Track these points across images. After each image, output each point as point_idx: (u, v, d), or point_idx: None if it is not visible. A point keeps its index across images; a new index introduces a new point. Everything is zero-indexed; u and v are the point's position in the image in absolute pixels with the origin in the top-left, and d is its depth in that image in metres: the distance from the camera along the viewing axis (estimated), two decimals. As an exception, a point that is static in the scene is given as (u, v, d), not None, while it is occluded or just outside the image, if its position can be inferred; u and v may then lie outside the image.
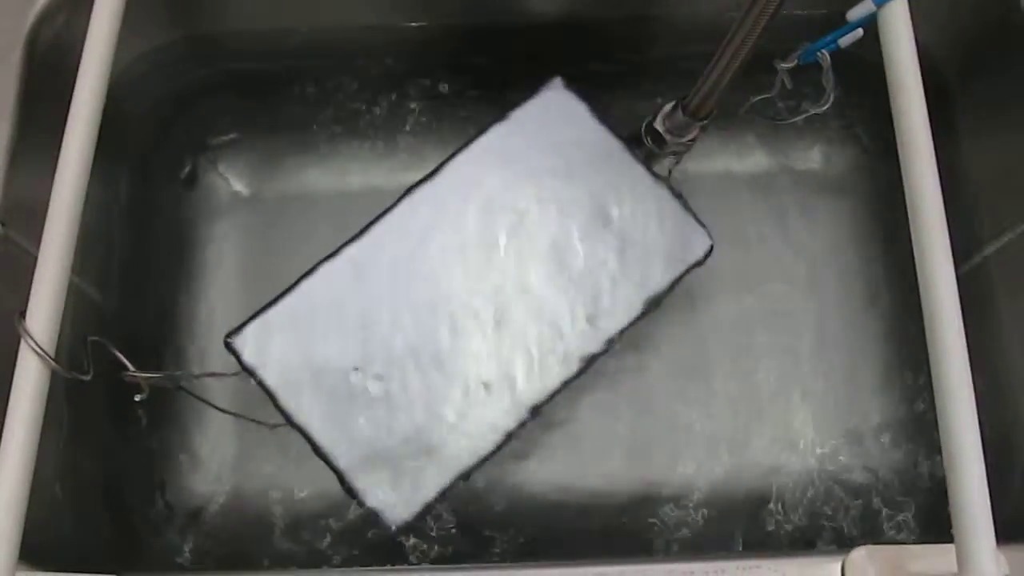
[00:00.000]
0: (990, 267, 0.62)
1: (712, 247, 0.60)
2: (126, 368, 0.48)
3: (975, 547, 0.37)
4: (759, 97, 0.57)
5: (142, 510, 0.65)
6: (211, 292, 0.70)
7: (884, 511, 0.65)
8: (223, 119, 0.73)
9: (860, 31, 0.49)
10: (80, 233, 0.61)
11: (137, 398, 0.48)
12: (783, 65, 0.53)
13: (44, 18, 0.56)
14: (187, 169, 0.72)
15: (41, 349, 0.41)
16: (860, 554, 0.43)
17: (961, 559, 0.37)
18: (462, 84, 0.72)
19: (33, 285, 0.42)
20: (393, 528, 0.55)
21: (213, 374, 0.58)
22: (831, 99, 0.52)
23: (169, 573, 0.59)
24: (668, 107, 0.63)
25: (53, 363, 0.41)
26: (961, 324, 0.40)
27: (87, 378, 0.44)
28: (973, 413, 0.38)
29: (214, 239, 0.71)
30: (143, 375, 0.48)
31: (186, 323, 0.69)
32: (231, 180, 0.72)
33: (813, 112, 0.54)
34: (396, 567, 0.55)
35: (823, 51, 0.51)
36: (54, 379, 0.42)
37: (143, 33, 0.65)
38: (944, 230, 0.41)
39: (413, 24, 0.67)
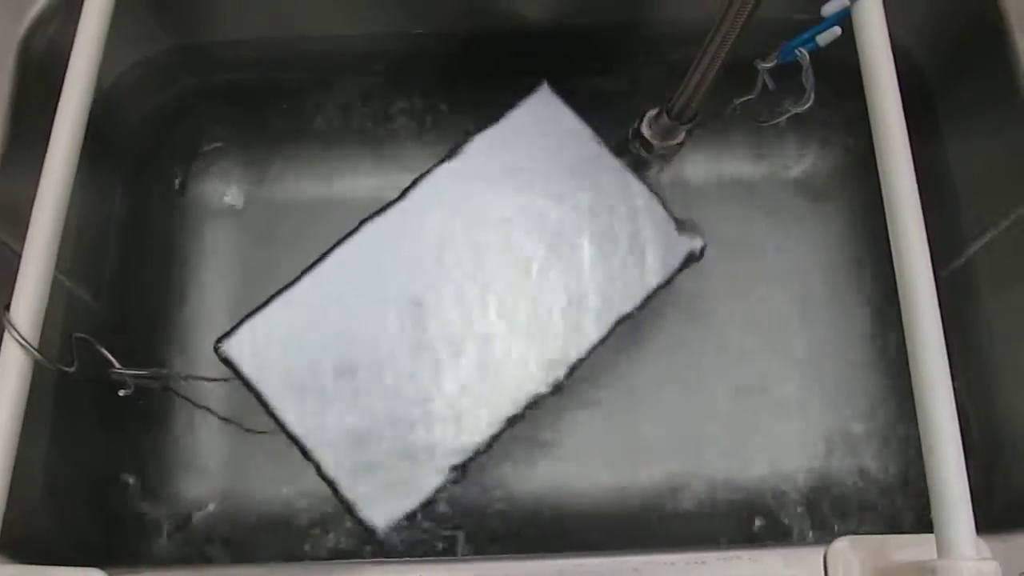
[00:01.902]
0: (976, 265, 0.62)
1: (702, 249, 0.60)
2: (112, 365, 0.48)
3: (953, 530, 0.37)
4: (741, 99, 0.58)
5: (129, 510, 0.65)
6: (204, 298, 0.70)
7: (876, 513, 0.64)
8: (215, 128, 0.73)
9: (838, 29, 0.50)
10: (74, 238, 0.62)
11: (121, 393, 0.49)
12: (763, 65, 0.53)
13: (38, 24, 0.57)
14: (180, 177, 0.73)
15: (24, 340, 0.41)
16: (842, 544, 0.43)
17: (940, 543, 0.37)
18: (450, 91, 0.73)
19: (18, 278, 0.43)
20: (381, 531, 0.55)
21: (202, 378, 0.58)
22: (811, 98, 0.53)
23: (152, 568, 0.58)
24: (653, 112, 0.64)
25: (36, 353, 0.42)
26: (936, 308, 0.40)
27: (71, 370, 0.45)
28: (950, 397, 0.38)
29: (207, 246, 0.71)
30: (129, 372, 0.49)
31: (179, 328, 0.69)
32: (223, 188, 0.73)
33: (795, 112, 0.55)
34: (384, 559, 0.54)
35: (802, 50, 0.51)
36: (44, 378, 0.42)
37: (134, 43, 0.66)
38: (916, 204, 0.42)
39: (401, 32, 0.68)
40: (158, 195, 0.72)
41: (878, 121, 0.45)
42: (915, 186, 0.43)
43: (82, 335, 0.47)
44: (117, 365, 0.48)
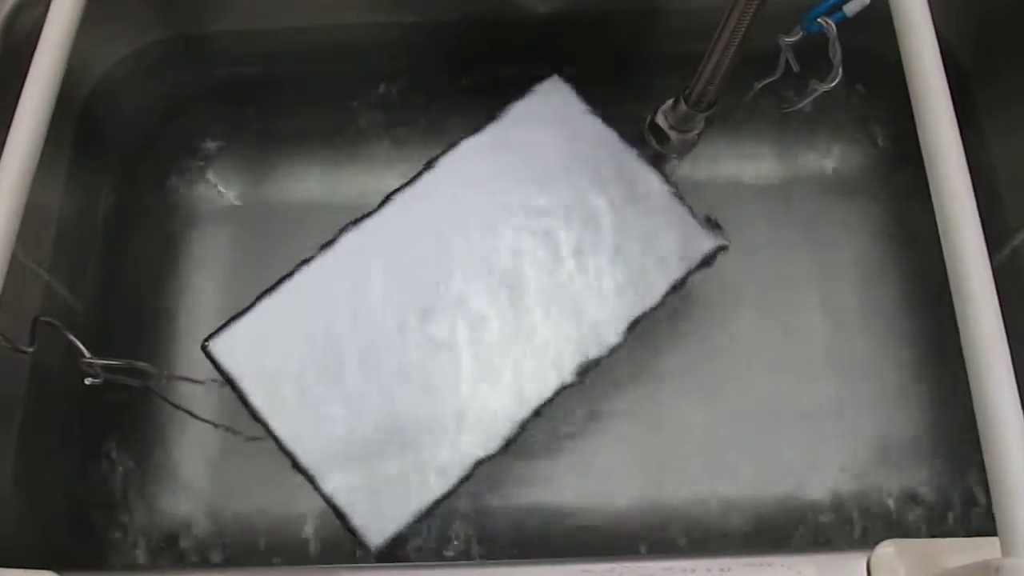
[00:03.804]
0: (1020, 258, 0.58)
1: (718, 247, 0.57)
2: (82, 354, 0.45)
3: (1020, 521, 0.32)
4: (764, 81, 0.54)
5: (103, 515, 0.62)
6: (194, 299, 0.68)
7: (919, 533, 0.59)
8: (209, 124, 0.71)
9: (867, -5, 0.47)
10: (55, 233, 0.60)
11: (88, 382, 0.45)
12: (786, 40, 0.50)
13: (21, 6, 0.55)
14: (171, 175, 0.71)
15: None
16: (888, 550, 0.38)
17: (1004, 537, 0.32)
18: (457, 83, 0.71)
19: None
20: (374, 546, 0.52)
21: (183, 378, 0.55)
22: (839, 74, 0.49)
23: (108, 572, 0.55)
24: (670, 101, 0.61)
25: (-11, 331, 0.38)
26: (991, 279, 0.36)
27: (29, 351, 0.41)
28: (1009, 370, 0.34)
29: (199, 245, 0.69)
30: (99, 362, 0.45)
31: (168, 329, 0.67)
32: (216, 186, 0.71)
33: (822, 90, 0.51)
34: (382, 564, 0.51)
35: (828, 20, 0.48)
36: (17, 379, 0.39)
37: (125, 35, 0.64)
38: (966, 177, 0.38)
39: (404, 21, 0.66)
40: (148, 192, 0.70)
41: (919, 90, 0.41)
42: (963, 160, 0.39)
43: (48, 319, 0.43)
44: (87, 353, 0.45)
